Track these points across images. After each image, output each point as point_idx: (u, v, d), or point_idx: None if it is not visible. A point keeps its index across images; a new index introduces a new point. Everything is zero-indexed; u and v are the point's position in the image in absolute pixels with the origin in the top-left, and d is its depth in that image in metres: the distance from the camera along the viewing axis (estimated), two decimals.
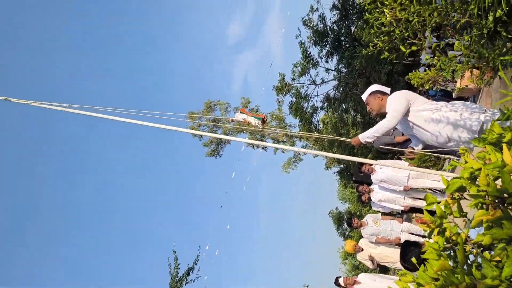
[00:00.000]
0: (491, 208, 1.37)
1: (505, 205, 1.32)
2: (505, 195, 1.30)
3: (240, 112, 4.83)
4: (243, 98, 22.09)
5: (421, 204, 6.73)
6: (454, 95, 8.22)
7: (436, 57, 2.99)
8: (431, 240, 1.56)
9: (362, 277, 6.40)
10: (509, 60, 1.70)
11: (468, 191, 1.46)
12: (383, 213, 7.46)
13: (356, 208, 32.66)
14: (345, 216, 30.68)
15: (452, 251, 1.41)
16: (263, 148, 22.83)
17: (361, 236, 7.24)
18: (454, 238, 1.40)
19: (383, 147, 5.28)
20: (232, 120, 5.10)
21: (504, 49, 1.74)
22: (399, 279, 1.65)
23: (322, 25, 17.31)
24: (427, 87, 4.85)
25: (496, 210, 1.30)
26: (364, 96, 3.85)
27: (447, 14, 1.96)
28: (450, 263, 1.48)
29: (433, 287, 1.39)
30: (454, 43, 2.50)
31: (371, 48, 2.39)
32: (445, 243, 1.54)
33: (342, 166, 26.72)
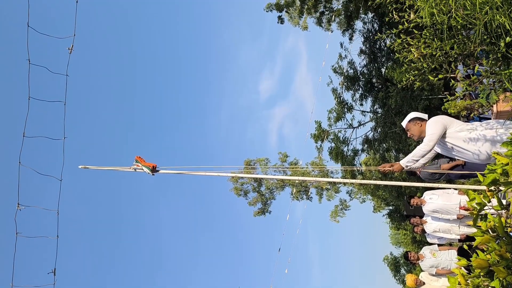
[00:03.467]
0: None
1: None
2: None
3: (136, 161, 4.76)
4: (280, 153, 22.50)
5: None
6: (492, 119, 8.30)
7: (469, 84, 3.32)
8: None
9: None
10: None
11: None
12: (439, 245, 7.39)
13: (411, 250, 31.19)
14: (401, 261, 29.36)
15: (495, 232, 1.70)
16: (308, 199, 22.74)
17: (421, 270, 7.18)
18: (495, 221, 1.70)
19: (429, 173, 5.47)
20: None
21: None
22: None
23: (352, 71, 17.95)
24: (463, 114, 5.11)
25: None
26: (404, 123, 4.18)
27: (465, 46, 2.35)
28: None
29: (484, 263, 1.68)
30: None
31: (404, 82, 2.79)
32: (489, 230, 1.83)
33: (391, 207, 26.08)
